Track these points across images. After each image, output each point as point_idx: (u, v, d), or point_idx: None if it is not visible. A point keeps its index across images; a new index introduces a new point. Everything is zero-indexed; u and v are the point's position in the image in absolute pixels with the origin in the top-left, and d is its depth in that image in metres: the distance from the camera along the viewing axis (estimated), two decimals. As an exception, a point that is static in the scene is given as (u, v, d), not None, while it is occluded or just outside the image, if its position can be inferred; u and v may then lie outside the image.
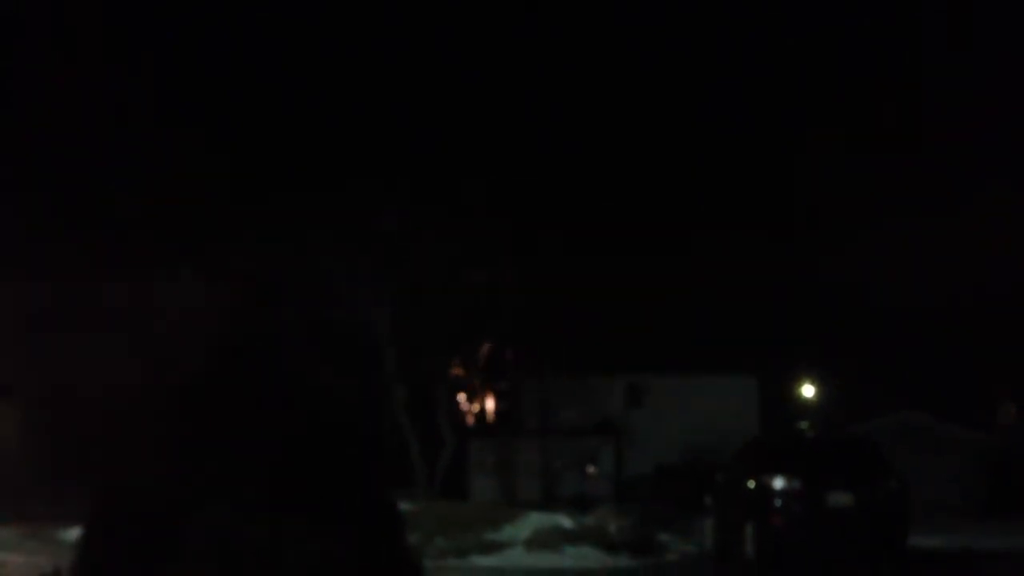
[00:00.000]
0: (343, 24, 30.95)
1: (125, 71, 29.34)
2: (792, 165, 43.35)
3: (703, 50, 42.67)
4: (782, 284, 44.05)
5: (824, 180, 44.39)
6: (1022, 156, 42.77)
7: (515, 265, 32.15)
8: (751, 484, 19.41)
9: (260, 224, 29.81)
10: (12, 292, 28.64)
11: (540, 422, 40.31)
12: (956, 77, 42.65)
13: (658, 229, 40.61)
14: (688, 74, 41.22)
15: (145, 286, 27.27)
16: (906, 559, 18.96)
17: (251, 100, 29.94)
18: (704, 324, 42.38)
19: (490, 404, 40.25)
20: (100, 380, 28.63)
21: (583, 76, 35.23)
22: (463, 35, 31.59)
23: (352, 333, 31.13)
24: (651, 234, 40.54)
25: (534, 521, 22.32)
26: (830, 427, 39.64)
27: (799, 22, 45.60)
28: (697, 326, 41.98)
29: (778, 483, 18.82)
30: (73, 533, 18.95)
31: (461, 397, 37.31)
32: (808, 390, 46.82)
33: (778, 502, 18.72)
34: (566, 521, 22.30)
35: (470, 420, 38.56)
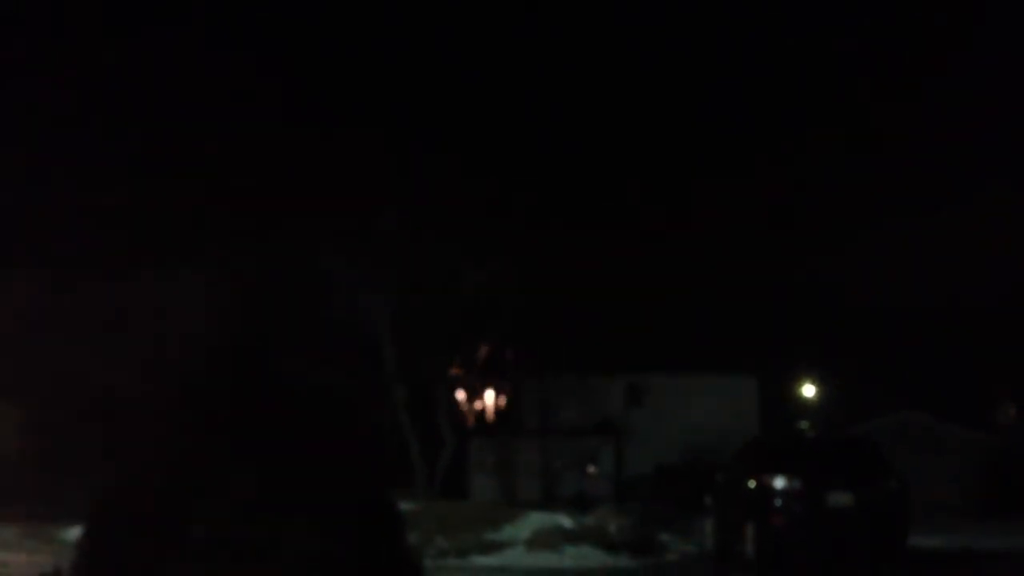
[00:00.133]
0: (344, 21, 30.97)
1: (124, 68, 29.34)
2: (792, 165, 43.35)
3: (703, 49, 42.69)
4: (782, 284, 44.08)
5: (824, 180, 44.41)
6: (1021, 156, 42.77)
7: (515, 265, 32.16)
8: (751, 484, 19.41)
9: (260, 224, 29.81)
10: (12, 292, 28.65)
11: (540, 422, 40.34)
12: (955, 76, 42.66)
13: (658, 229, 40.62)
14: (688, 74, 41.24)
15: (146, 286, 27.28)
16: (906, 559, 18.96)
17: (251, 99, 29.94)
18: (704, 324, 42.41)
19: (490, 404, 40.27)
20: (100, 380, 28.65)
21: (583, 75, 35.25)
22: (464, 34, 31.62)
23: (352, 333, 31.15)
24: (651, 234, 40.55)
25: (534, 521, 22.32)
26: (830, 427, 39.69)
27: (797, 21, 45.62)
28: (697, 326, 42.01)
29: (778, 483, 18.82)
30: (73, 532, 18.94)
31: (461, 397, 37.32)
32: (808, 390, 46.83)
33: (778, 502, 18.72)
34: (566, 521, 22.30)
35: (470, 420, 38.58)
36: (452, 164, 30.75)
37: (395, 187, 30.27)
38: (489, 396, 40.03)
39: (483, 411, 39.80)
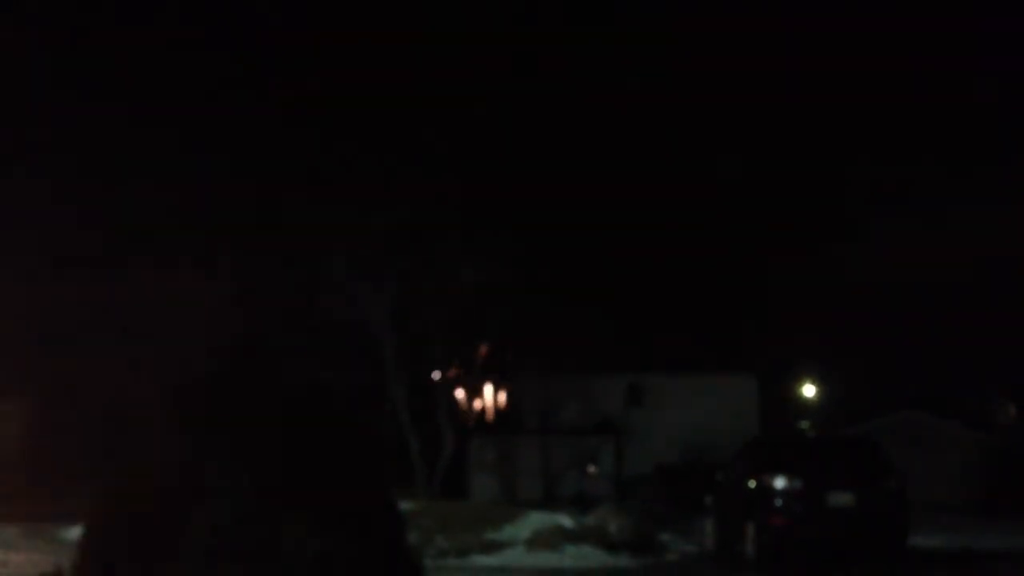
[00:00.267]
0: (345, 18, 30.96)
1: (125, 69, 29.35)
2: (792, 165, 43.35)
3: (703, 48, 42.68)
4: (782, 284, 44.09)
5: (824, 180, 44.40)
6: (1021, 155, 42.76)
7: (515, 264, 32.15)
8: (752, 484, 19.42)
9: (260, 224, 29.81)
10: (16, 293, 28.65)
11: (540, 421, 40.35)
12: (956, 76, 42.65)
13: (659, 228, 40.62)
14: (689, 72, 41.22)
15: (146, 287, 27.28)
16: (906, 559, 18.98)
17: (251, 97, 29.94)
18: (704, 324, 42.41)
19: (490, 403, 40.27)
20: (102, 381, 28.66)
21: (584, 73, 35.25)
22: (464, 33, 31.60)
23: (352, 333, 31.16)
24: (652, 234, 40.54)
25: (534, 520, 22.31)
26: (830, 427, 39.70)
27: (796, 19, 45.60)
28: (697, 326, 42.00)
29: (779, 483, 18.83)
30: (74, 532, 18.95)
31: (461, 396, 37.31)
32: (808, 390, 46.86)
33: (779, 502, 18.73)
34: (566, 521, 22.30)
35: (470, 419, 38.58)
36: (452, 163, 30.75)
37: (395, 186, 30.27)
38: (489, 395, 40.04)
39: (483, 411, 39.81)
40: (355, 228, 30.19)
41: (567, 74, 34.57)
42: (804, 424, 42.25)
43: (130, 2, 30.10)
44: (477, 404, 39.13)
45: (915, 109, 44.81)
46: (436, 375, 33.91)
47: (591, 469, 40.84)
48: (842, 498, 18.65)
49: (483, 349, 35.71)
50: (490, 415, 40.26)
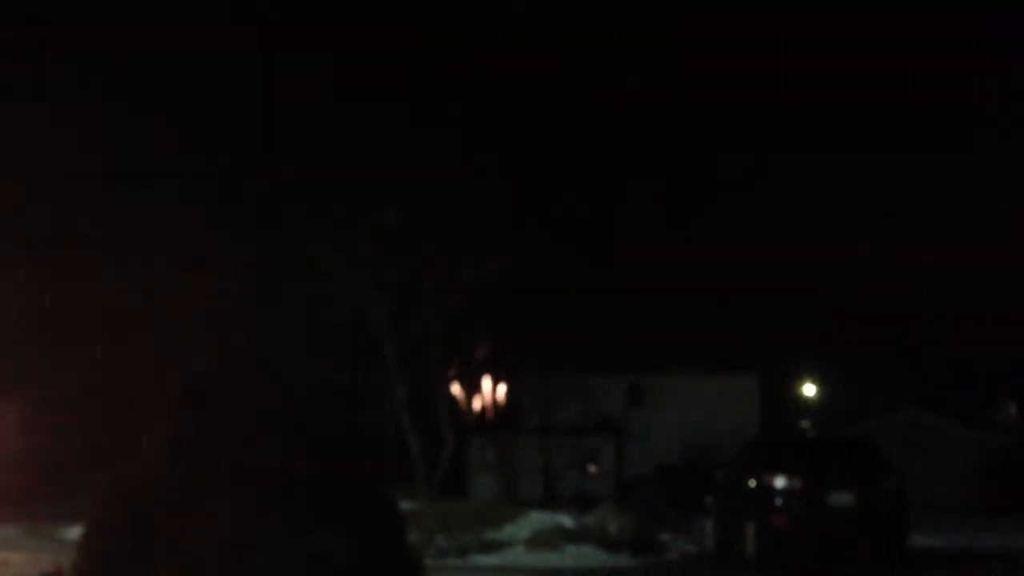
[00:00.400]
0: (344, 16, 30.96)
1: (126, 67, 29.35)
2: (793, 164, 43.35)
3: (703, 46, 42.67)
4: (783, 283, 44.09)
5: (825, 179, 44.41)
6: (1021, 156, 42.77)
7: (515, 264, 32.15)
8: (752, 483, 19.42)
9: (261, 223, 29.81)
10: (13, 292, 28.65)
11: (540, 421, 40.35)
12: (955, 76, 42.66)
13: (659, 228, 40.61)
14: (689, 71, 41.23)
15: (146, 286, 27.29)
16: (906, 558, 18.98)
17: (251, 95, 29.94)
18: (705, 323, 42.41)
19: (490, 403, 40.26)
20: (102, 381, 28.67)
21: (584, 72, 35.23)
22: (464, 32, 31.60)
23: (352, 332, 31.16)
24: (652, 233, 40.54)
25: (535, 520, 22.32)
26: (831, 426, 39.72)
27: (796, 18, 45.60)
28: (698, 325, 42.01)
29: (779, 482, 18.83)
30: (74, 532, 18.96)
31: (461, 396, 37.31)
32: (809, 389, 46.88)
33: (779, 501, 18.74)
34: (567, 520, 22.30)
35: (470, 419, 38.57)
36: (452, 163, 30.76)
37: (395, 185, 30.28)
38: (489, 395, 40.04)
39: (483, 410, 39.80)
40: (355, 228, 30.21)
41: (567, 73, 34.55)
42: (804, 424, 42.30)
43: (132, 3, 30.10)
44: (477, 404, 39.12)
45: (914, 109, 44.81)
46: (436, 375, 33.91)
47: (591, 469, 40.86)
48: (842, 498, 18.65)
49: (483, 348, 35.71)
50: (490, 415, 40.26)
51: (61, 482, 26.42)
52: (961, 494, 37.11)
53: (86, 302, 28.81)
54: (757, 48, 45.48)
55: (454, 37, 31.45)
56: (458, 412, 36.53)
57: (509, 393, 40.66)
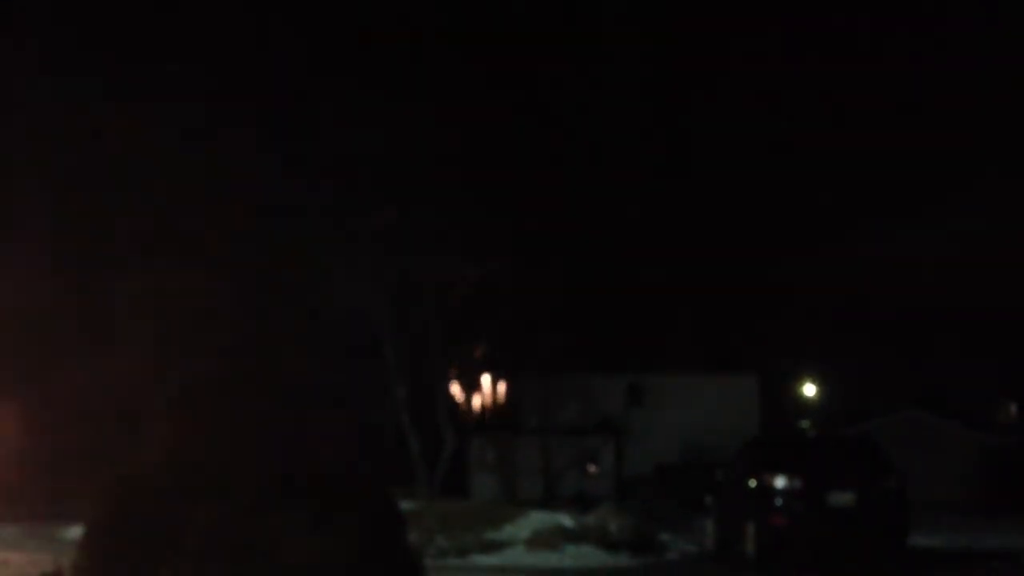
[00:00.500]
0: (345, 16, 30.95)
1: (127, 66, 29.34)
2: (794, 164, 43.37)
3: (704, 46, 42.68)
4: (783, 283, 44.10)
5: (826, 179, 44.42)
6: (1021, 156, 42.76)
7: (515, 264, 32.16)
8: (752, 483, 19.41)
9: (260, 223, 29.78)
10: (13, 291, 28.65)
11: (540, 421, 40.34)
12: (955, 75, 42.66)
13: (659, 228, 40.63)
14: (690, 70, 41.24)
15: (146, 286, 27.29)
16: (906, 558, 18.97)
17: (251, 95, 29.94)
18: (705, 323, 42.44)
19: (490, 403, 40.27)
20: (102, 381, 28.66)
21: (583, 72, 35.24)
22: (464, 31, 31.60)
23: (351, 333, 31.15)
24: (652, 233, 40.56)
25: (535, 520, 22.31)
26: (831, 426, 39.73)
27: (798, 18, 45.61)
28: (698, 325, 42.03)
29: (779, 482, 18.83)
30: (74, 532, 18.97)
31: (461, 395, 37.31)
32: (809, 389, 46.89)
33: (779, 501, 18.73)
34: (567, 520, 22.29)
35: (470, 419, 38.58)
36: (453, 162, 30.76)
37: (395, 185, 30.28)
38: (488, 395, 40.05)
39: (483, 410, 39.81)
40: (355, 227, 30.21)
41: (567, 72, 34.55)
42: (805, 424, 42.31)
43: (133, 4, 30.09)
44: (477, 404, 39.13)
45: (914, 109, 44.81)
46: (436, 375, 33.92)
47: (591, 469, 40.87)
48: (842, 498, 18.64)
49: (483, 348, 35.72)
50: (490, 415, 40.27)
51: (61, 482, 26.42)
52: (961, 494, 37.12)
53: (86, 301, 28.80)
54: (759, 47, 45.48)
55: (454, 37, 31.45)
56: (458, 412, 36.54)
57: (509, 393, 40.67)
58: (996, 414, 44.35)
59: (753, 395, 42.72)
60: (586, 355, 39.20)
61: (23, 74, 29.06)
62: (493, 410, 40.31)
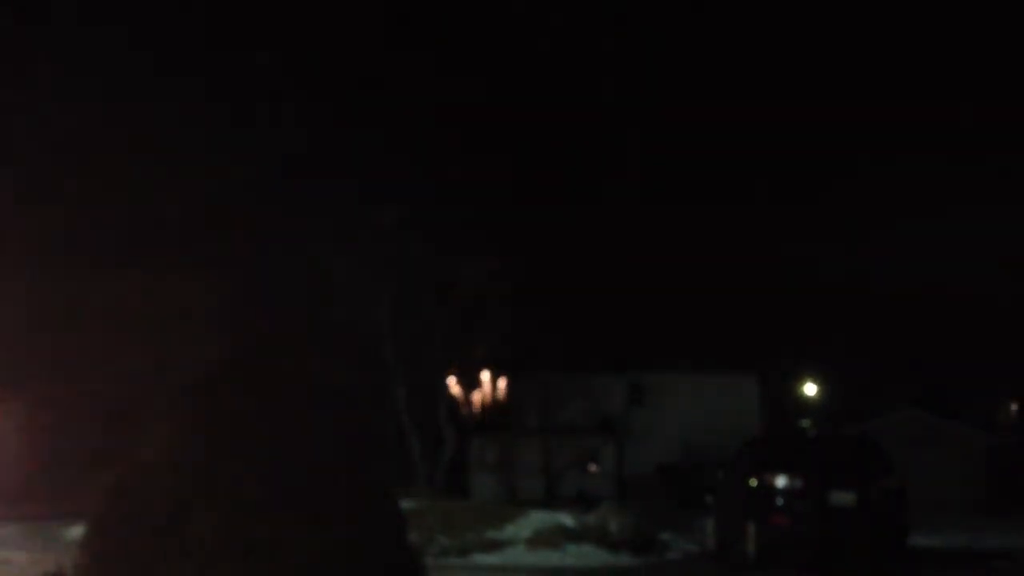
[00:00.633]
0: (345, 19, 30.98)
1: (129, 68, 29.38)
2: (794, 164, 43.36)
3: (705, 47, 42.68)
4: (785, 283, 44.10)
5: (827, 179, 44.41)
6: (1021, 157, 42.77)
7: (515, 263, 32.17)
8: (753, 482, 19.41)
9: (263, 224, 29.84)
10: (14, 291, 28.67)
11: (541, 421, 40.33)
12: (956, 75, 42.65)
13: (659, 227, 40.64)
14: (691, 69, 41.25)
15: (150, 287, 27.31)
16: (907, 557, 18.98)
17: (251, 96, 29.97)
18: (706, 323, 42.43)
19: (490, 403, 40.26)
20: (105, 381, 28.67)
21: (582, 71, 35.27)
22: (464, 30, 31.63)
23: (352, 332, 31.17)
24: (653, 232, 40.57)
25: (535, 519, 22.31)
26: (831, 425, 39.71)
27: (800, 18, 45.61)
28: (699, 325, 42.03)
29: (780, 481, 18.83)
30: (76, 531, 18.96)
31: (461, 395, 37.31)
32: (810, 388, 46.86)
33: (780, 500, 18.73)
34: (567, 519, 22.29)
35: (471, 419, 38.57)
36: (453, 163, 30.78)
37: (396, 186, 30.30)
38: (489, 395, 40.04)
39: (483, 410, 39.80)
40: (358, 229, 30.23)
41: (566, 72, 34.58)
42: (805, 423, 42.29)
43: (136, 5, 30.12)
44: (477, 403, 39.13)
45: (914, 109, 44.81)
46: (436, 375, 33.93)
47: (592, 468, 40.85)
48: (843, 497, 18.64)
49: (483, 347, 35.72)
50: (490, 414, 40.26)
51: (62, 482, 26.42)
52: (961, 493, 37.11)
53: (87, 302, 28.82)
54: (757, 47, 45.48)
55: (455, 37, 31.46)
56: (458, 412, 36.54)
57: (509, 393, 40.65)
58: (996, 414, 44.34)
59: (754, 395, 42.69)
60: (587, 355, 39.20)
61: (23, 72, 29.06)
62: (493, 410, 40.30)
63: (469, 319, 32.84)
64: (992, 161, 42.68)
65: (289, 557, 5.97)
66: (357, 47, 30.79)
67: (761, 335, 44.21)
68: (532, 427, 40.28)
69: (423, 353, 32.73)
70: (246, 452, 6.38)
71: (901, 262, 42.30)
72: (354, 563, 6.23)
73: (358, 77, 30.66)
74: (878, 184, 45.93)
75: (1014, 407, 44.85)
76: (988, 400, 44.30)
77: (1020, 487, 35.74)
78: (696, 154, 42.18)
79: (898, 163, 44.65)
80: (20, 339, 28.99)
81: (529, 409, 40.40)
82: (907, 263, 42.22)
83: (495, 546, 21.30)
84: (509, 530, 21.88)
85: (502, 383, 40.12)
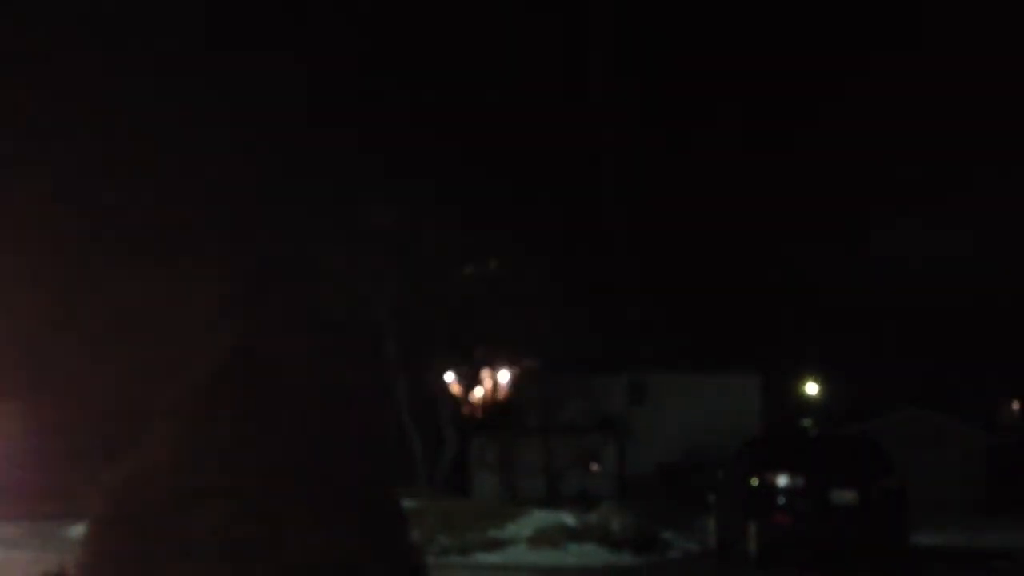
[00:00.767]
0: (344, 19, 30.98)
1: (130, 67, 29.37)
2: (794, 163, 43.36)
3: (707, 48, 42.69)
4: (785, 282, 44.11)
5: (827, 179, 44.41)
6: (1020, 154, 42.78)
7: (516, 261, 32.17)
8: (754, 482, 19.43)
9: (261, 220, 29.84)
10: (15, 291, 28.68)
11: (542, 420, 40.34)
12: (956, 74, 42.65)
13: (660, 226, 40.63)
14: (691, 70, 41.25)
15: (148, 285, 27.31)
16: (908, 557, 18.99)
17: (251, 95, 29.97)
18: (707, 322, 42.43)
19: (491, 402, 40.26)
20: (105, 380, 28.68)
21: (582, 70, 35.28)
22: (463, 30, 31.63)
23: (352, 330, 31.18)
24: (653, 231, 40.56)
25: (537, 518, 22.34)
26: (833, 424, 39.73)
27: (798, 18, 45.62)
28: (700, 324, 42.03)
29: (781, 481, 18.85)
30: (78, 531, 18.98)
31: (461, 395, 37.33)
32: (811, 387, 46.89)
33: (781, 500, 18.75)
34: (569, 519, 22.31)
35: (471, 418, 38.58)
36: (452, 160, 30.78)
37: (395, 183, 30.30)
38: (489, 394, 40.04)
39: (484, 409, 39.81)
40: (357, 225, 30.23)
41: (565, 71, 34.59)
42: (807, 422, 42.30)
43: (130, 5, 30.12)
44: (478, 402, 39.13)
45: (913, 110, 44.79)
46: (437, 374, 33.94)
47: (593, 467, 40.86)
48: (844, 496, 18.66)
49: (484, 346, 35.73)
50: (491, 414, 40.25)
51: (63, 481, 26.44)
52: (962, 493, 37.13)
53: (87, 302, 28.82)
54: (758, 48, 45.48)
55: (455, 37, 31.47)
56: (459, 411, 36.55)
57: (510, 392, 40.66)
58: (997, 413, 44.34)
59: (755, 394, 42.71)
60: (587, 354, 39.20)
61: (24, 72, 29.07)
62: (494, 409, 40.30)
63: (469, 318, 32.84)
64: (992, 161, 42.68)
65: (291, 557, 5.97)
66: (357, 47, 30.80)
67: (761, 335, 44.22)
68: (532, 427, 40.28)
69: (423, 352, 32.73)
70: (246, 452, 6.37)
71: (903, 261, 42.31)
72: (355, 563, 6.22)
73: (358, 77, 30.66)
74: (878, 184, 45.93)
75: (1015, 406, 44.87)
76: (988, 400, 44.31)
77: (1020, 487, 35.75)
78: (698, 150, 42.16)
79: (898, 163, 44.66)
80: (22, 339, 29.01)
81: (529, 409, 40.40)
82: (909, 263, 42.23)
83: (496, 545, 21.32)
84: (510, 529, 21.90)
85: (502, 383, 40.12)
